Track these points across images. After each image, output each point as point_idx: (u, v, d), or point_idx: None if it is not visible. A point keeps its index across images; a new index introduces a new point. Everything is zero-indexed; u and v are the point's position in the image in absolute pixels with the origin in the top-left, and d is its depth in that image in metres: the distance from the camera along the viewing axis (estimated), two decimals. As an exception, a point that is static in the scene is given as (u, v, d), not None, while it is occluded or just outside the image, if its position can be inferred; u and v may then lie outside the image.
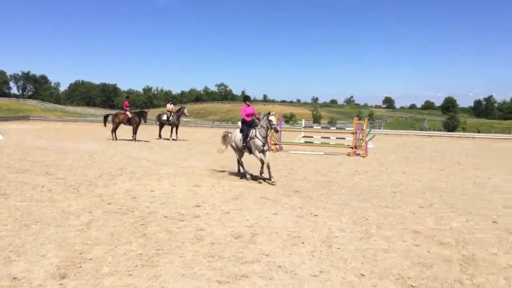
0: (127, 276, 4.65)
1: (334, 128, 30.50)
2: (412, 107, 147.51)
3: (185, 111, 25.57)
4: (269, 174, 10.61)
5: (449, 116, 79.88)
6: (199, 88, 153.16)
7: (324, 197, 9.27)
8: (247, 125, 11.15)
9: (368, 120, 26.64)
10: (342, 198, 9.22)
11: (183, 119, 31.02)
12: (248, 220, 7.08)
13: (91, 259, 5.14)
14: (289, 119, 63.67)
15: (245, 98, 11.59)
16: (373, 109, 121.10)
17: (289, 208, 8.11)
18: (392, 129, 55.12)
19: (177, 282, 4.54)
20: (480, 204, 8.99)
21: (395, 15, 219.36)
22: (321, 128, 29.91)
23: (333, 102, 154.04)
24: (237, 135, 11.53)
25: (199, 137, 29.74)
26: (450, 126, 66.98)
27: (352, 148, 20.26)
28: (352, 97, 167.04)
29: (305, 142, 22.37)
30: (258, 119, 11.24)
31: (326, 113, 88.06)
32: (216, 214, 7.42)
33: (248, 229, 6.56)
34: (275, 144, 20.15)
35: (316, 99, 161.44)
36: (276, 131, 11.09)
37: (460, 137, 41.00)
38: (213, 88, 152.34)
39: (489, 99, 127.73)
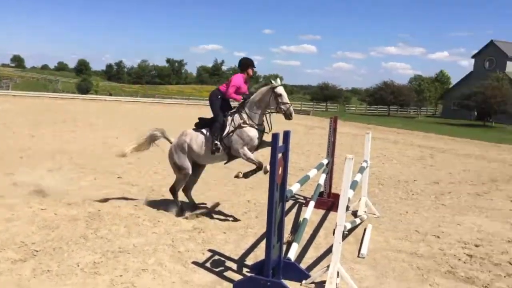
0: None
1: None
2: (45, 67, 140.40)
3: None
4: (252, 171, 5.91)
5: (82, 78, 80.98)
6: None
7: None
8: (222, 110, 6.04)
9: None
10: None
11: None
12: None
13: None
14: None
15: (248, 64, 6.08)
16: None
17: None
18: (22, 90, 51.16)
19: None
20: (107, 162, 9.58)
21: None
22: None
23: None
24: (197, 137, 6.05)
25: None
26: (84, 89, 67.98)
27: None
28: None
29: None
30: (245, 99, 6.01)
31: None
32: None
33: None
34: None
35: None
36: (290, 116, 5.72)
37: (93, 99, 42.46)
38: None
39: (119, 64, 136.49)
